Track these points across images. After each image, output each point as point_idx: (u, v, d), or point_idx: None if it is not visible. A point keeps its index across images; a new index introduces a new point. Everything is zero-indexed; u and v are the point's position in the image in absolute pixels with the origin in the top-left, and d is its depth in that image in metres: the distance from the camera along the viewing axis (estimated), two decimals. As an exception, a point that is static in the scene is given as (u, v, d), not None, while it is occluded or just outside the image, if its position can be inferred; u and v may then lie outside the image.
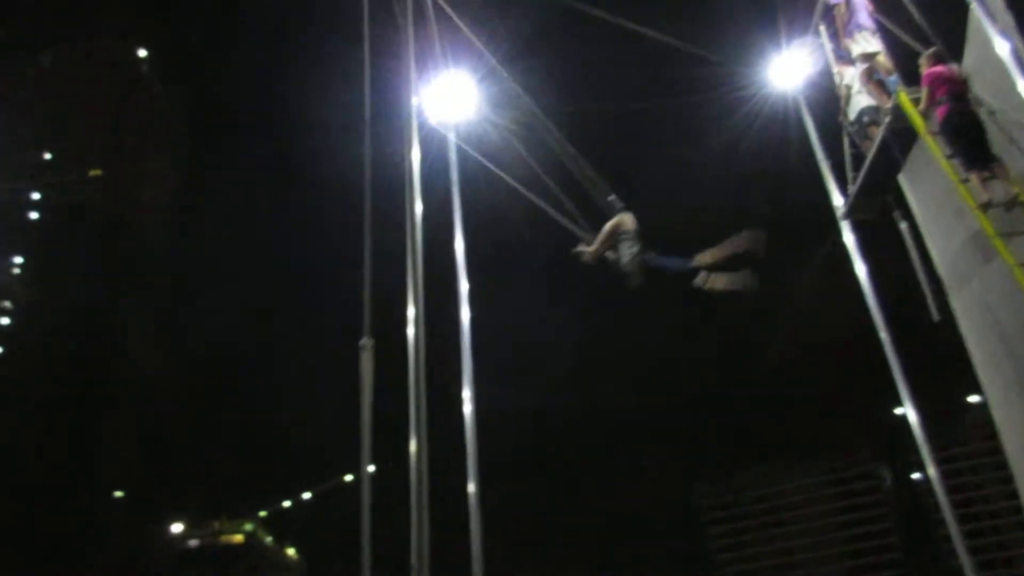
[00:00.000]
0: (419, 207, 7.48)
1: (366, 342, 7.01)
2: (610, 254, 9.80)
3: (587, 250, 9.87)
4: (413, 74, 8.70)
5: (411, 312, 6.92)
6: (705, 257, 9.08)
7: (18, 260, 77.58)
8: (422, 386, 6.57)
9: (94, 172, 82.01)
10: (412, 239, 7.17)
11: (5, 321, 75.22)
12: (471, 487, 10.49)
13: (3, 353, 73.69)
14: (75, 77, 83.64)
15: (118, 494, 75.11)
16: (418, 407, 6.46)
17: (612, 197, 9.97)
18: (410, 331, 6.89)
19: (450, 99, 11.35)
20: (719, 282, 9.00)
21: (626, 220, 9.80)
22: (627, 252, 9.44)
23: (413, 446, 6.43)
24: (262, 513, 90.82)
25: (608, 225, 9.74)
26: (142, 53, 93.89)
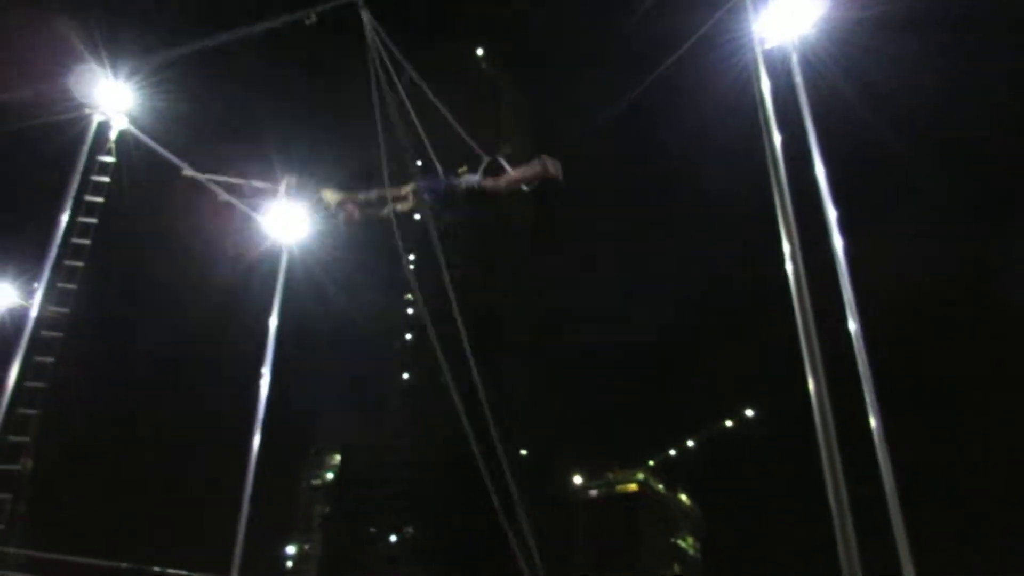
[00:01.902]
0: (778, 138, 7.13)
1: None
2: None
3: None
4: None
5: (787, 248, 6.64)
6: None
7: (411, 258, 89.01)
8: (811, 321, 6.28)
9: (461, 170, 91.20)
10: (776, 171, 6.87)
11: (410, 311, 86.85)
12: (873, 422, 9.86)
13: (411, 339, 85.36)
14: (429, 87, 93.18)
15: (523, 452, 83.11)
16: (810, 343, 6.19)
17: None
18: (789, 267, 6.61)
19: (789, 14, 10.58)
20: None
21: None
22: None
23: (812, 385, 6.17)
24: (651, 462, 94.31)
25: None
26: (479, 51, 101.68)
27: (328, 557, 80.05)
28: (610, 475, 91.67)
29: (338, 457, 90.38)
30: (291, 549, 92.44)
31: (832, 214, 10.65)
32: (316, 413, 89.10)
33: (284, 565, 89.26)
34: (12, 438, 8.25)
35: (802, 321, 6.45)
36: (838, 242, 10.49)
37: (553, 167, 8.91)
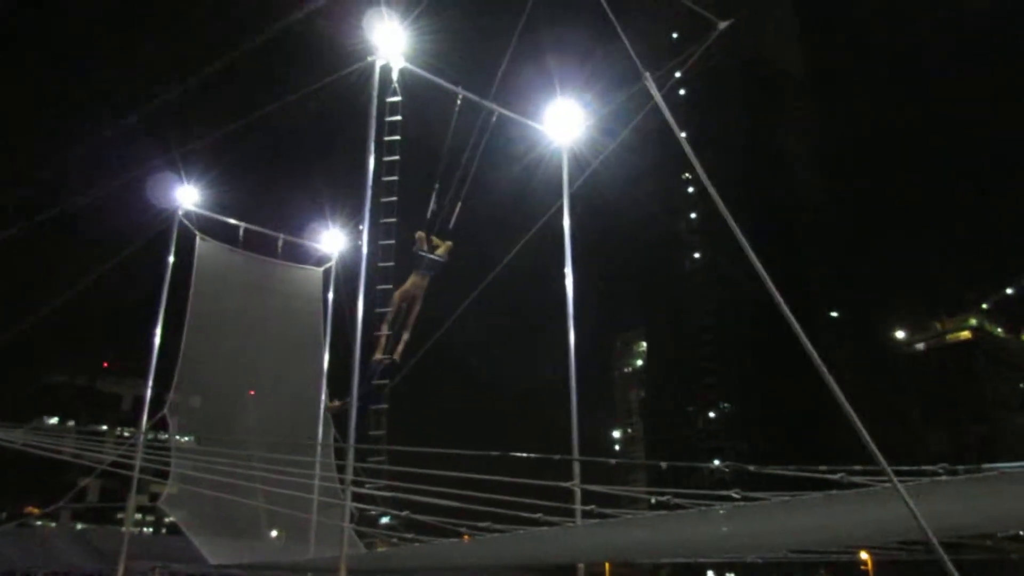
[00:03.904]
0: None
1: None
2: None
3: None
4: None
5: None
6: None
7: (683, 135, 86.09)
8: None
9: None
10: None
11: (690, 190, 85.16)
12: None
13: (696, 218, 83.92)
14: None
15: (833, 314, 79.36)
16: None
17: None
18: None
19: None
20: None
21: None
22: None
23: None
24: (984, 305, 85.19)
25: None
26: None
27: (651, 437, 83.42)
28: (938, 325, 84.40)
29: (644, 344, 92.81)
30: (616, 433, 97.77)
31: None
32: (615, 304, 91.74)
33: (613, 448, 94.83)
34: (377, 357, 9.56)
35: None
36: None
37: None
